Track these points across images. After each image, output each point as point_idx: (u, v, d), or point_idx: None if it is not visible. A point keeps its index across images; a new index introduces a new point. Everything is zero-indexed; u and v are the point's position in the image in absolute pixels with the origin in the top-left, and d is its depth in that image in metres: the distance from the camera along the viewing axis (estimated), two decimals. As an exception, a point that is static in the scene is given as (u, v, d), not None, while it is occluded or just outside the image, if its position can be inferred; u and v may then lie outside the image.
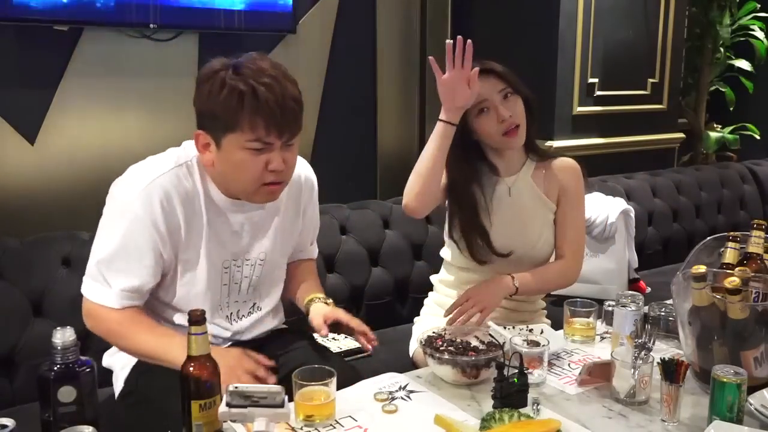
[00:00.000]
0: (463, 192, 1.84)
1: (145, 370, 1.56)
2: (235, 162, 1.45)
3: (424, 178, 1.69)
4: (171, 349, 1.45)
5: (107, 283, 1.49)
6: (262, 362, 1.49)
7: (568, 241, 1.90)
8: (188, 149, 1.56)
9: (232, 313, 1.64)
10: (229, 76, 1.41)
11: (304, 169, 1.72)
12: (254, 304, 1.68)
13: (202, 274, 1.56)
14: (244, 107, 1.39)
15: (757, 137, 4.50)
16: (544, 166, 1.92)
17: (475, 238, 1.83)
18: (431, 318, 2.00)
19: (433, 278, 2.08)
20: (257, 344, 1.67)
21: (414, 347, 1.97)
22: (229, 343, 1.65)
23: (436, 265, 2.09)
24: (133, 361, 1.60)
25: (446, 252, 2.00)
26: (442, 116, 1.67)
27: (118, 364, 1.63)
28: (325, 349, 1.75)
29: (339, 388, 1.39)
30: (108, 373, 1.65)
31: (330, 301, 1.69)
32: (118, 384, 1.63)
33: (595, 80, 3.40)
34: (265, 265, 1.65)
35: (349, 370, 1.62)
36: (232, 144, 1.43)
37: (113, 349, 1.66)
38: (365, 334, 1.60)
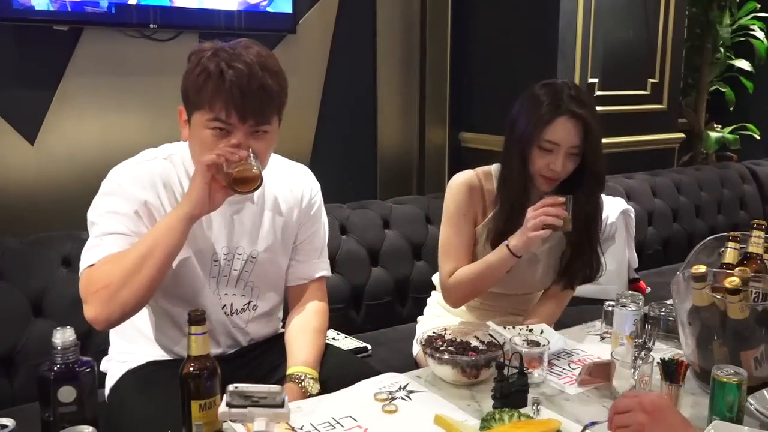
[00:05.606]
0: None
1: (119, 397, 1.56)
2: (199, 140, 1.46)
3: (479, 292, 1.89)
4: (165, 221, 1.42)
5: (103, 243, 1.44)
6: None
7: None
8: (178, 145, 1.59)
9: (225, 305, 1.62)
10: (206, 56, 1.43)
11: (309, 183, 1.71)
12: (249, 302, 1.65)
13: (192, 263, 1.53)
14: (208, 86, 1.41)
15: (757, 137, 4.51)
16: None
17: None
18: (435, 318, 2.00)
19: (435, 277, 2.07)
20: (261, 350, 1.69)
21: (418, 348, 1.97)
22: (236, 349, 1.66)
23: (436, 264, 2.09)
24: (115, 378, 1.60)
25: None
26: (512, 245, 1.73)
27: (110, 372, 1.64)
28: (330, 347, 1.74)
29: (350, 382, 1.43)
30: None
31: (305, 384, 1.50)
32: (106, 392, 1.63)
33: (595, 80, 3.40)
34: (257, 263, 1.62)
35: (359, 365, 1.64)
36: (198, 122, 1.46)
37: (109, 354, 1.67)
38: None
